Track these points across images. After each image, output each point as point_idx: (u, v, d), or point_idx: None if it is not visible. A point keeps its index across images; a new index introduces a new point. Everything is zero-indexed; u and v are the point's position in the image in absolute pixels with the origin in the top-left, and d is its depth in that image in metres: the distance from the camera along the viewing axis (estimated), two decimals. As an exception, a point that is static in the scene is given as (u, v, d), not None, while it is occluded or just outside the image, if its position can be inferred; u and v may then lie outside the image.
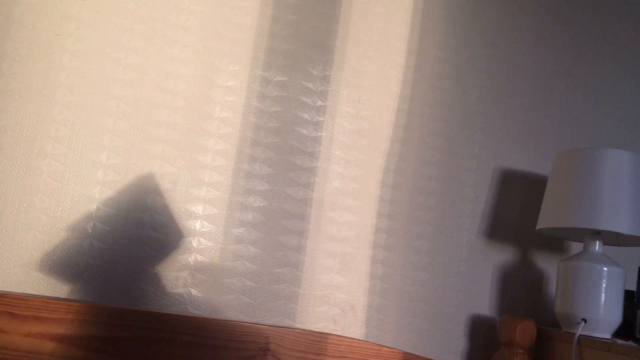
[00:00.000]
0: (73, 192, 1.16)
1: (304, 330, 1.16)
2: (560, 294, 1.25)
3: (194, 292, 1.21)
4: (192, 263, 1.21)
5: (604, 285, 1.20)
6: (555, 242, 1.46)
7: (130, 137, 1.20)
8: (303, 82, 1.32)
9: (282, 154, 1.29)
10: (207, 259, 1.22)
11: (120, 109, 1.20)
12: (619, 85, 1.56)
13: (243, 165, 1.26)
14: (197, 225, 1.22)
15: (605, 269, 1.20)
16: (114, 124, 1.19)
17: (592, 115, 1.53)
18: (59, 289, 1.13)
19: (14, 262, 1.11)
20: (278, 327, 1.15)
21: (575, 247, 1.47)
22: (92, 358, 1.04)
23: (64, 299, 1.06)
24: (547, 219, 1.25)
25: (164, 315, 1.08)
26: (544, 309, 1.43)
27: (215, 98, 1.26)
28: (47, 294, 1.12)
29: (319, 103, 1.33)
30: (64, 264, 1.14)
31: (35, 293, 1.12)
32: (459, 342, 1.36)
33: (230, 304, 1.22)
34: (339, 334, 1.27)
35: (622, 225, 1.17)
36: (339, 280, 1.30)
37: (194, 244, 1.22)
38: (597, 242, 1.26)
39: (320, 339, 1.16)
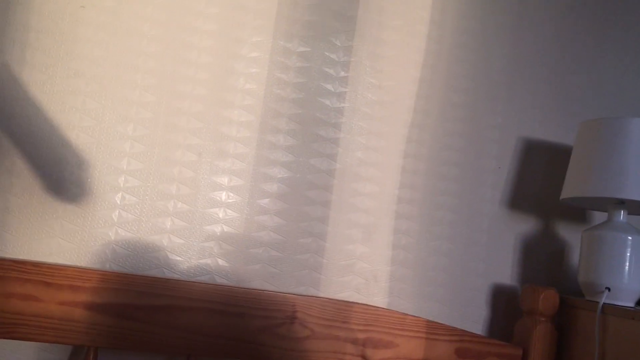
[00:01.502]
0: (101, 164, 1.17)
1: (330, 298, 1.18)
2: (584, 263, 1.25)
3: (220, 262, 1.23)
4: (218, 233, 1.23)
5: (628, 254, 1.20)
6: (579, 212, 1.46)
7: (156, 109, 1.21)
8: (326, 53, 1.32)
9: (306, 125, 1.29)
10: (233, 229, 1.24)
11: (145, 81, 1.21)
12: (644, 53, 1.54)
13: (267, 137, 1.27)
14: (223, 196, 1.24)
15: (629, 237, 1.20)
16: (139, 97, 1.20)
17: (617, 84, 1.51)
18: (88, 259, 1.15)
19: (45, 233, 1.14)
20: (304, 295, 1.17)
21: (599, 217, 1.47)
22: (124, 325, 1.06)
23: (96, 269, 1.09)
24: (572, 188, 1.25)
25: (192, 284, 1.10)
26: (566, 279, 1.44)
27: (238, 69, 1.26)
28: (78, 264, 1.15)
29: (342, 74, 1.32)
30: (93, 234, 1.16)
31: (66, 263, 1.14)
32: (481, 311, 1.38)
33: (256, 274, 1.24)
34: (363, 302, 1.29)
35: (647, 194, 1.17)
36: (362, 250, 1.31)
37: (220, 215, 1.23)
38: (622, 211, 1.26)
39: (346, 307, 1.18)
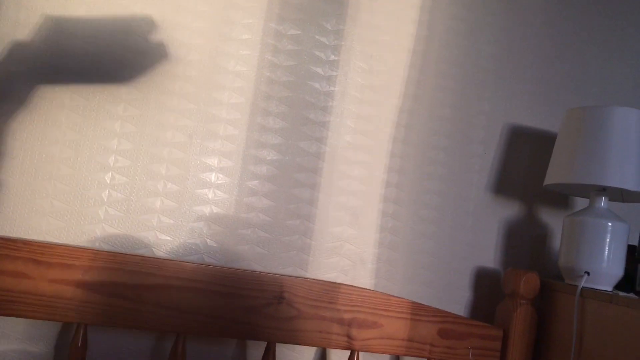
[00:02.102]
0: (91, 143, 1.18)
1: (317, 280, 1.20)
2: (565, 248, 1.28)
3: (209, 242, 1.24)
4: (207, 214, 1.24)
5: (608, 239, 1.23)
6: (561, 198, 1.49)
7: (146, 89, 1.21)
8: (316, 36, 1.32)
9: (296, 108, 1.30)
10: (222, 210, 1.25)
11: (137, 61, 1.21)
12: (630, 43, 1.56)
13: (257, 119, 1.28)
14: (213, 177, 1.25)
15: (609, 224, 1.24)
16: (130, 76, 1.20)
17: (602, 73, 1.54)
18: (78, 238, 1.16)
19: (35, 212, 1.14)
20: (292, 276, 1.19)
21: (581, 203, 1.50)
22: (114, 304, 1.08)
23: (87, 247, 1.10)
24: (555, 175, 1.28)
25: (182, 263, 1.12)
26: (547, 263, 1.47)
27: (229, 51, 1.26)
28: (68, 243, 1.16)
29: (332, 57, 1.33)
30: (84, 213, 1.17)
31: (57, 241, 1.15)
32: (465, 293, 1.41)
33: (244, 254, 1.26)
34: (349, 283, 1.31)
35: (627, 181, 1.20)
36: (350, 232, 1.33)
37: (210, 196, 1.24)
38: (603, 198, 1.29)
39: (332, 288, 1.20)
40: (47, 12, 1.16)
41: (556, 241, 1.48)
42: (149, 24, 1.20)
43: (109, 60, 1.19)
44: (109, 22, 1.20)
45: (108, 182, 1.19)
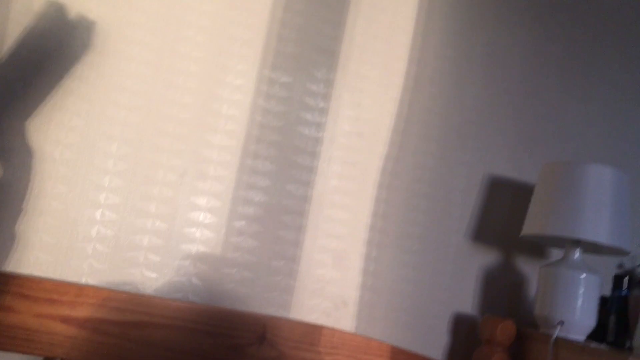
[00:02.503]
0: (84, 180, 1.21)
1: (299, 321, 1.23)
2: (540, 297, 1.33)
3: (194, 280, 1.26)
4: (194, 253, 1.27)
5: (581, 291, 1.28)
6: (537, 248, 1.54)
7: (141, 129, 1.25)
8: (307, 84, 1.38)
9: (285, 152, 1.35)
10: (209, 249, 1.28)
11: (132, 102, 1.25)
12: (606, 102, 1.64)
13: (247, 161, 1.32)
14: (201, 217, 1.28)
15: (583, 275, 1.28)
16: (125, 117, 1.24)
17: (578, 129, 1.61)
18: (66, 273, 1.18)
19: (24, 245, 1.16)
20: (274, 317, 1.21)
21: (556, 253, 1.55)
22: (98, 340, 1.09)
23: (73, 283, 1.11)
24: (532, 226, 1.33)
25: (167, 301, 1.14)
26: (523, 311, 1.51)
27: (223, 96, 1.31)
28: (55, 277, 1.17)
29: (322, 105, 1.38)
30: (72, 248, 1.19)
31: (44, 276, 1.17)
32: (443, 338, 1.44)
33: (228, 294, 1.28)
34: (331, 326, 1.34)
35: (601, 235, 1.25)
36: (333, 274, 1.36)
37: (197, 235, 1.27)
38: (577, 250, 1.34)
39: (314, 330, 1.23)
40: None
41: (532, 289, 1.52)
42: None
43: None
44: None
45: (98, 218, 1.21)
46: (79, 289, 1.09)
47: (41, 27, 1.20)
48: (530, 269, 1.52)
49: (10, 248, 1.15)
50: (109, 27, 1.24)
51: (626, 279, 1.36)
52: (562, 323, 1.28)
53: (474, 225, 1.49)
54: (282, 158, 1.34)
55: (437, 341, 1.43)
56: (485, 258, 1.49)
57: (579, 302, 1.27)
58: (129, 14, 1.26)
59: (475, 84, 1.52)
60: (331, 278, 1.36)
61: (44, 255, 1.17)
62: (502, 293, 1.49)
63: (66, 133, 1.20)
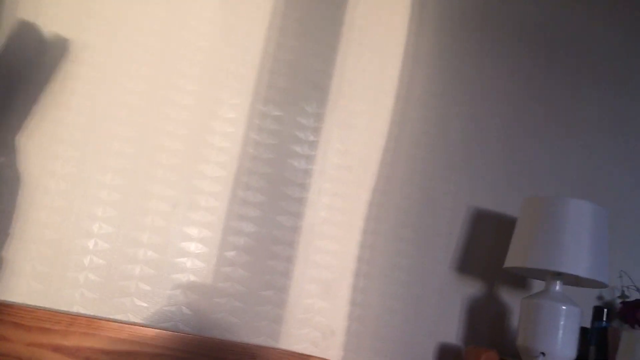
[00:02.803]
0: (78, 210, 1.23)
1: (287, 350, 1.25)
2: (522, 328, 1.36)
3: (185, 310, 1.28)
4: (185, 282, 1.29)
5: (562, 322, 1.32)
6: (520, 279, 1.58)
7: (135, 160, 1.28)
8: (298, 118, 1.42)
9: (275, 183, 1.38)
10: (200, 279, 1.30)
11: (126, 133, 1.28)
12: (585, 139, 1.70)
13: (238, 192, 1.35)
14: (192, 247, 1.30)
15: (563, 307, 1.32)
16: (120, 147, 1.27)
17: (559, 165, 1.66)
18: (57, 301, 1.19)
19: (17, 274, 1.17)
20: (264, 346, 1.23)
21: (538, 284, 1.59)
22: (88, 369, 1.10)
23: (65, 312, 1.13)
24: (514, 258, 1.37)
25: (158, 331, 1.15)
26: (506, 341, 1.54)
27: (216, 128, 1.35)
28: (47, 306, 1.19)
29: (312, 138, 1.42)
30: (64, 277, 1.20)
31: (36, 304, 1.18)
32: (428, 368, 1.46)
33: (218, 323, 1.30)
34: (319, 355, 1.36)
35: (580, 268, 1.29)
36: (321, 304, 1.39)
37: (188, 265, 1.29)
38: (558, 282, 1.38)
39: (302, 359, 1.25)
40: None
41: (515, 320, 1.56)
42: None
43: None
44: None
45: (91, 248, 1.23)
46: (71, 319, 1.10)
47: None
48: (512, 300, 1.56)
49: (12, 285, 1.16)
50: (105, 59, 1.28)
51: (605, 311, 1.41)
52: (543, 354, 1.31)
53: (459, 256, 1.53)
54: (273, 189, 1.38)
55: (423, 371, 1.46)
56: (470, 289, 1.53)
57: (560, 333, 1.31)
58: (126, 47, 1.30)
59: (461, 118, 1.58)
60: (320, 308, 1.38)
61: (36, 284, 1.18)
62: (486, 323, 1.53)
63: (62, 164, 1.23)
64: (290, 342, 1.35)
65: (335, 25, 1.47)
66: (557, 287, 1.37)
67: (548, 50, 1.69)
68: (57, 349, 1.09)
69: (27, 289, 1.18)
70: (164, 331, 1.16)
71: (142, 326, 1.15)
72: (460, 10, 1.59)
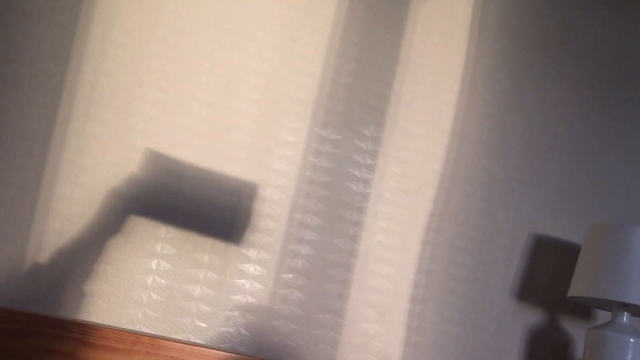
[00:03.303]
0: (142, 231, 1.26)
1: (344, 376, 1.24)
2: (587, 361, 1.31)
3: (242, 331, 1.29)
4: (243, 304, 1.30)
5: (630, 355, 1.26)
6: (583, 309, 1.53)
7: (197, 181, 1.31)
8: (356, 141, 1.42)
9: (332, 207, 1.39)
10: (257, 301, 1.31)
11: (189, 157, 1.31)
12: (650, 161, 1.64)
13: (296, 215, 1.36)
14: (251, 268, 1.32)
15: (631, 340, 1.27)
16: (184, 170, 1.30)
17: (623, 190, 1.61)
18: (121, 320, 1.22)
19: (81, 292, 1.21)
20: (320, 371, 1.23)
21: (603, 315, 1.53)
22: (150, 387, 1.12)
23: (130, 330, 1.16)
24: (578, 287, 1.32)
25: (218, 352, 1.17)
26: (569, 373, 1.49)
27: (275, 151, 1.36)
28: (111, 324, 1.22)
29: (369, 162, 1.43)
30: (128, 296, 1.24)
31: (100, 322, 1.21)
32: (486, 398, 1.43)
33: (275, 346, 1.31)
34: (374, 381, 1.34)
35: (650, 300, 1.24)
36: (377, 329, 1.38)
37: (247, 286, 1.31)
38: (625, 313, 1.32)
39: (359, 386, 1.24)
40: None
41: (579, 351, 1.50)
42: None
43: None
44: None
45: (154, 268, 1.26)
46: (136, 338, 1.13)
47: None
48: (576, 331, 1.51)
49: (78, 301, 1.20)
50: (169, 83, 1.32)
51: (676, 345, 1.34)
52: (610, 388, 1.26)
53: (518, 283, 1.49)
54: (330, 213, 1.38)
55: (481, 401, 1.42)
56: (530, 318, 1.49)
57: (628, 367, 1.26)
58: (190, 72, 1.34)
59: (520, 142, 1.55)
60: (375, 333, 1.37)
61: (102, 303, 1.22)
62: (548, 354, 1.48)
63: (128, 185, 1.27)
64: (346, 366, 1.34)
65: (394, 48, 1.47)
66: (625, 319, 1.32)
67: (615, 68, 1.64)
68: (121, 367, 1.12)
69: (93, 308, 1.21)
70: (224, 352, 1.17)
71: (202, 346, 1.17)
72: (520, 33, 1.57)
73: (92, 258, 1.22)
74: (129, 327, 1.23)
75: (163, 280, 1.26)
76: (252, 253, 1.32)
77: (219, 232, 1.30)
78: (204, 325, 1.27)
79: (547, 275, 1.52)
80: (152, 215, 1.27)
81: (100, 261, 1.22)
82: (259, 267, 1.32)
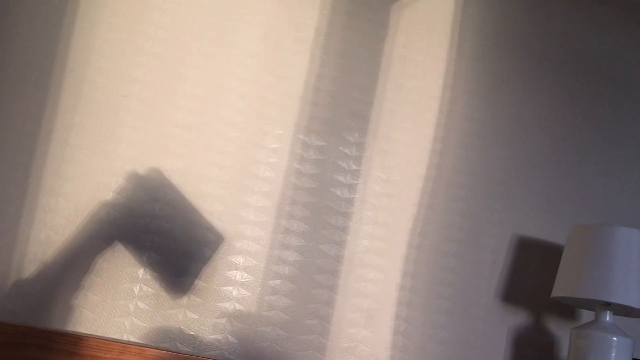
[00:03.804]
0: (128, 239, 1.26)
1: (332, 381, 1.25)
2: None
3: (230, 338, 1.30)
4: (230, 311, 1.31)
5: (613, 354, 1.28)
6: (568, 309, 1.55)
7: (182, 190, 1.31)
8: (340, 148, 1.44)
9: (318, 213, 1.40)
10: (245, 307, 1.32)
11: (174, 165, 1.32)
12: (632, 165, 1.67)
13: (282, 222, 1.37)
14: (238, 275, 1.32)
15: (614, 338, 1.29)
16: (168, 178, 1.31)
17: (606, 191, 1.63)
18: (108, 330, 1.22)
19: (67, 303, 1.21)
20: (308, 376, 1.23)
21: (587, 315, 1.55)
22: (138, 397, 1.12)
23: (117, 340, 1.16)
24: (562, 288, 1.34)
25: (206, 360, 1.17)
26: (555, 373, 1.51)
27: (260, 159, 1.37)
28: (98, 334, 1.22)
29: (354, 167, 1.44)
30: (114, 306, 1.24)
31: (87, 332, 1.21)
32: (474, 400, 1.44)
33: (263, 352, 1.31)
34: (362, 385, 1.35)
35: (631, 298, 1.26)
36: (364, 334, 1.38)
37: (234, 293, 1.31)
38: (608, 312, 1.34)
39: (347, 390, 1.24)
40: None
41: (563, 350, 1.52)
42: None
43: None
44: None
45: (140, 276, 1.26)
46: (123, 347, 1.13)
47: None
48: (560, 331, 1.53)
49: (65, 314, 1.20)
50: (154, 95, 1.33)
51: (659, 342, 1.36)
52: (595, 387, 1.27)
53: (503, 285, 1.51)
54: (316, 219, 1.39)
55: (469, 402, 1.43)
56: (515, 318, 1.50)
57: (612, 365, 1.27)
58: (173, 82, 1.34)
59: (502, 145, 1.57)
60: (363, 337, 1.38)
61: (89, 313, 1.22)
62: (534, 354, 1.49)
63: (116, 198, 1.27)
64: (334, 371, 1.35)
65: (375, 55, 1.49)
66: (608, 318, 1.34)
67: (595, 73, 1.67)
68: (108, 376, 1.11)
69: (79, 318, 1.21)
70: (211, 360, 1.18)
71: (191, 355, 1.17)
72: (500, 38, 1.59)
73: (78, 269, 1.22)
74: (117, 336, 1.23)
75: (149, 289, 1.26)
76: (238, 260, 1.33)
77: (205, 239, 1.31)
78: (192, 333, 1.27)
79: (532, 276, 1.53)
80: (137, 225, 1.28)
81: (86, 272, 1.22)
82: (245, 274, 1.33)
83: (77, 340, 1.11)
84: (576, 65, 1.65)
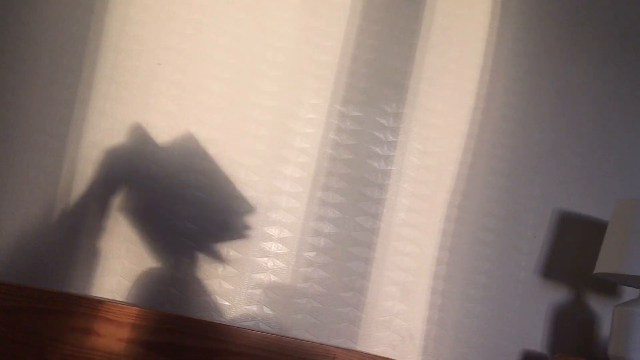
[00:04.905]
0: (162, 210, 1.26)
1: (367, 353, 1.24)
2: (614, 338, 1.29)
3: (265, 309, 1.29)
4: (266, 282, 1.30)
5: (659, 332, 1.24)
6: (610, 286, 1.50)
7: (218, 161, 1.30)
8: (377, 118, 1.40)
9: (354, 184, 1.37)
10: (280, 279, 1.31)
11: (210, 135, 1.30)
12: (679, 135, 1.60)
13: (317, 193, 1.35)
14: (273, 247, 1.31)
15: (661, 317, 1.24)
16: (203, 148, 1.30)
17: (652, 164, 1.57)
18: (145, 299, 1.23)
19: (108, 271, 1.22)
20: (344, 348, 1.22)
21: (630, 291, 1.51)
22: (175, 365, 1.13)
23: (155, 309, 1.16)
24: (606, 264, 1.30)
25: (240, 330, 1.17)
26: (596, 350, 1.47)
27: (296, 129, 1.35)
28: (137, 303, 1.22)
29: (391, 138, 1.41)
30: (153, 275, 1.24)
31: (124, 300, 1.22)
32: (511, 376, 1.42)
33: (298, 323, 1.31)
34: (397, 359, 1.34)
35: (680, 276, 1.21)
36: (400, 307, 1.37)
37: (269, 265, 1.30)
38: (654, 290, 1.30)
39: (383, 363, 1.23)
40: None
41: (605, 328, 1.48)
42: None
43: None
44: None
45: (177, 246, 1.26)
46: (161, 316, 1.13)
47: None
48: (602, 308, 1.49)
49: (95, 270, 1.21)
50: (190, 63, 1.31)
51: None
52: (639, 366, 1.24)
53: (543, 260, 1.47)
54: (352, 190, 1.37)
55: (505, 378, 1.41)
56: (555, 295, 1.47)
57: (657, 344, 1.24)
58: (209, 51, 1.32)
59: (544, 118, 1.51)
60: (398, 311, 1.36)
61: (126, 281, 1.23)
62: (574, 331, 1.46)
63: (149, 165, 1.26)
64: (369, 344, 1.34)
65: (415, 23, 1.44)
66: (653, 295, 1.30)
67: (636, 48, 1.60)
68: (146, 345, 1.12)
69: (117, 286, 1.22)
70: (248, 330, 1.17)
71: (226, 325, 1.17)
72: (544, 4, 1.52)
73: (115, 238, 1.23)
74: (155, 306, 1.23)
75: (186, 259, 1.26)
76: (273, 231, 1.31)
77: (241, 210, 1.30)
78: (227, 303, 1.27)
79: (573, 252, 1.49)
80: (173, 194, 1.27)
81: (122, 240, 1.23)
82: (280, 245, 1.31)
83: (116, 308, 1.11)
84: (624, 33, 1.58)
